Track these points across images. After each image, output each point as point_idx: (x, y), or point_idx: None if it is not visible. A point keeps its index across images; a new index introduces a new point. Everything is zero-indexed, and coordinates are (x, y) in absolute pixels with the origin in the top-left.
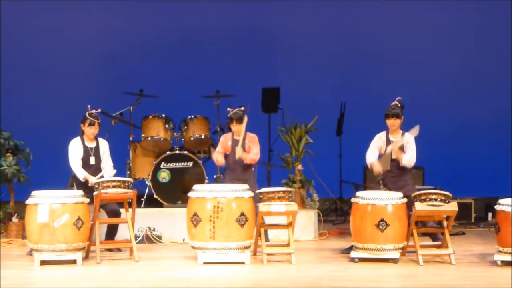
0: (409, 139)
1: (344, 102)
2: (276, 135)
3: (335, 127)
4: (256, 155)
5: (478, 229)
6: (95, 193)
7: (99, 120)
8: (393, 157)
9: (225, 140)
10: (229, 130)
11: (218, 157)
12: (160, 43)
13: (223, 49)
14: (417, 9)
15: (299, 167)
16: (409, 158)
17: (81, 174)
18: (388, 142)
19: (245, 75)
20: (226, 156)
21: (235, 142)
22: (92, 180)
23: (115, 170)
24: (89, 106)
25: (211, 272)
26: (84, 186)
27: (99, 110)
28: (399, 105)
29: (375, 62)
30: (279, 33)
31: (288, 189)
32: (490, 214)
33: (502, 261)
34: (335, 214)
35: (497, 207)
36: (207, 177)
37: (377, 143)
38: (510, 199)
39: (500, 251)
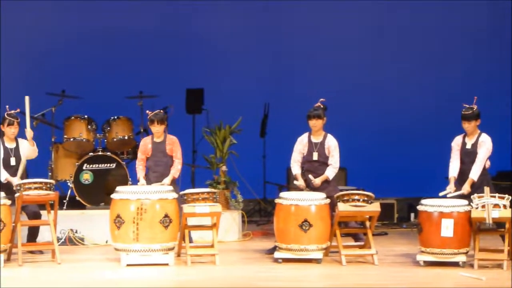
0: (333, 143)
1: (267, 103)
2: (200, 136)
3: (259, 128)
4: (180, 161)
5: (400, 229)
6: (16, 194)
7: (18, 120)
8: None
9: (145, 144)
10: (151, 132)
11: (139, 172)
12: (83, 43)
13: (146, 49)
14: (341, 10)
15: (223, 168)
16: (334, 170)
17: (2, 175)
18: (310, 144)
19: (169, 76)
20: (147, 159)
21: (155, 145)
22: (14, 181)
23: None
24: (7, 106)
25: (135, 274)
26: (5, 188)
27: (18, 110)
28: (322, 106)
29: (298, 63)
30: (203, 34)
31: (212, 190)
32: (412, 215)
33: (424, 261)
34: (259, 215)
35: (419, 207)
36: (130, 179)
37: (299, 146)
38: (432, 199)
39: (422, 251)
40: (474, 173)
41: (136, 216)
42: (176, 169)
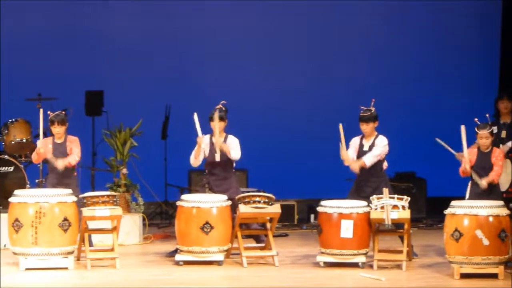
0: (234, 141)
1: (169, 105)
2: (100, 139)
3: (160, 130)
4: (77, 155)
5: (301, 231)
6: None
7: None
8: (219, 149)
9: (45, 144)
10: (52, 133)
11: (36, 156)
12: None
13: (45, 50)
14: (244, 12)
15: (124, 171)
16: (235, 154)
17: None
18: (212, 145)
19: (68, 78)
20: (47, 161)
21: (56, 146)
22: None
23: None
24: None
25: (34, 278)
26: None
27: None
28: (224, 108)
29: (199, 65)
30: (102, 35)
31: (113, 193)
32: (312, 216)
33: (324, 262)
34: (160, 218)
35: (319, 208)
36: (28, 182)
37: (202, 144)
38: (331, 200)
39: (322, 252)
40: (367, 159)
41: (34, 220)
42: (73, 158)
